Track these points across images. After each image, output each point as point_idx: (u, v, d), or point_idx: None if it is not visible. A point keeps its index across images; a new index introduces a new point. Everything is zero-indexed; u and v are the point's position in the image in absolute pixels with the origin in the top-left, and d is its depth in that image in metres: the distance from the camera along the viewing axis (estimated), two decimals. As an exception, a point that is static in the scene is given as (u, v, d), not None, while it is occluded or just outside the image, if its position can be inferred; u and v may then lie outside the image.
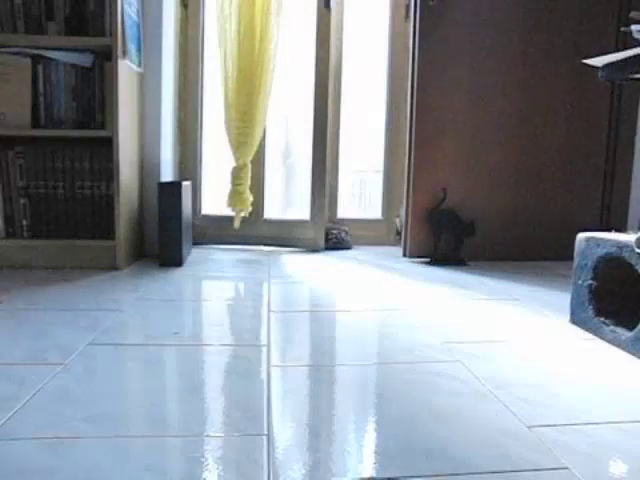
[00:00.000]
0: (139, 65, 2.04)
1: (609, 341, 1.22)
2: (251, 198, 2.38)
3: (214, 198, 2.55)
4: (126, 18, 1.85)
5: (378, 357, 1.14)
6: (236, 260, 2.20)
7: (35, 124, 1.88)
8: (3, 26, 1.83)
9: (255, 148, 2.35)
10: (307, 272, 2.03)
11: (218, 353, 1.13)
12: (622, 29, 1.44)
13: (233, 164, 2.35)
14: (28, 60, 1.85)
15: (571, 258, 1.38)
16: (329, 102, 2.47)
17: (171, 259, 1.97)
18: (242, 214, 2.39)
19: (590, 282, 1.30)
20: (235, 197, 2.35)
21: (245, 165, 2.35)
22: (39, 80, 1.87)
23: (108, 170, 1.89)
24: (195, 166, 2.53)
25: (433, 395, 0.93)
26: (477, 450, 0.75)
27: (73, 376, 0.97)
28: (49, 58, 1.87)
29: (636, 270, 1.14)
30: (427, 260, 2.24)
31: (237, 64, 2.27)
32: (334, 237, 2.51)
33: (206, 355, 1.12)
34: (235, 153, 2.33)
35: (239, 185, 2.35)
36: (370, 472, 0.70)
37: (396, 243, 2.60)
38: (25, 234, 1.91)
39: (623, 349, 1.17)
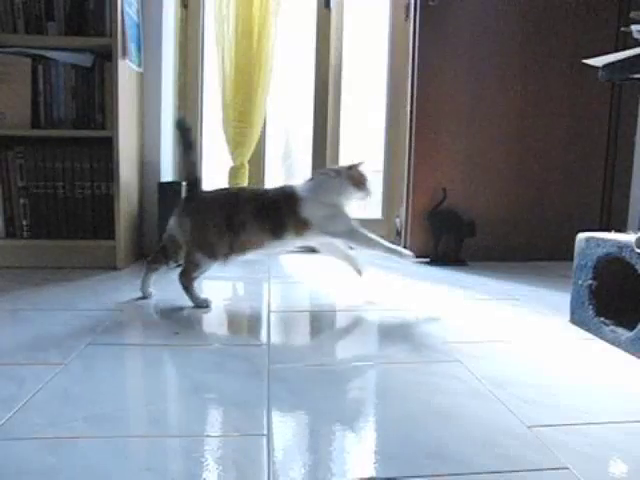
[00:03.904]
0: (139, 65, 2.04)
1: (609, 341, 1.22)
2: (249, 198, 2.38)
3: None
4: (126, 18, 1.85)
5: (378, 357, 1.14)
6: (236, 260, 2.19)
7: (35, 124, 1.88)
8: (3, 26, 1.83)
9: (252, 148, 2.35)
10: (307, 272, 2.03)
11: (218, 353, 1.13)
12: (622, 29, 1.44)
13: (231, 164, 2.35)
14: (28, 60, 1.86)
15: (571, 258, 1.38)
16: (329, 102, 2.47)
17: (171, 259, 1.97)
18: (241, 214, 2.39)
19: (590, 282, 1.30)
20: (233, 197, 2.35)
21: (242, 165, 2.34)
22: (39, 80, 1.87)
23: (108, 170, 1.89)
24: (195, 166, 2.52)
25: (433, 395, 0.93)
26: (477, 450, 0.75)
27: (73, 376, 0.97)
28: (49, 58, 1.87)
29: (636, 270, 1.14)
30: (427, 260, 2.24)
31: (235, 64, 2.27)
32: (334, 237, 2.50)
33: (206, 355, 1.12)
34: (233, 153, 2.33)
35: (237, 185, 2.35)
36: (370, 472, 0.70)
37: (396, 243, 2.59)
38: (25, 234, 1.91)
39: (623, 349, 1.17)
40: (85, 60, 1.89)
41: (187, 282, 1.45)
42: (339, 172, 1.52)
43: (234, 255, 1.47)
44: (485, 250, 2.27)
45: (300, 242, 1.53)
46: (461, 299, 1.62)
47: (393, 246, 1.51)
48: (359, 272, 1.62)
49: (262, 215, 1.43)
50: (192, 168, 1.47)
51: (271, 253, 1.51)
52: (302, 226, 1.45)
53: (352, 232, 1.49)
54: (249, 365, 1.05)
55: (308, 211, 1.45)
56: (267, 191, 1.51)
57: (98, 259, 1.91)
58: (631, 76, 1.28)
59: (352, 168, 1.53)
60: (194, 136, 1.50)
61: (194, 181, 1.47)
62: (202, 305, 1.45)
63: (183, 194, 1.50)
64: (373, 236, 1.51)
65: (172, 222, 1.46)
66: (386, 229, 2.70)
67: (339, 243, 1.57)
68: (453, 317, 1.44)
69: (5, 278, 1.72)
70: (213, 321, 1.39)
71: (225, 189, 1.59)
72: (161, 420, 0.82)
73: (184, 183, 1.50)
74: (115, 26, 1.79)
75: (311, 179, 1.55)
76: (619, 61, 1.26)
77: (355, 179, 1.51)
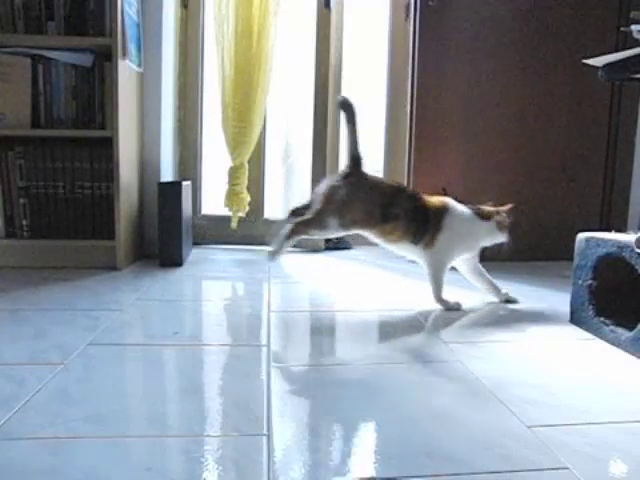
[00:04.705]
0: (139, 65, 2.04)
1: (609, 341, 1.22)
2: (248, 198, 2.38)
3: (214, 198, 2.55)
4: (126, 18, 1.85)
5: (378, 357, 1.14)
6: (236, 260, 2.20)
7: (35, 124, 1.88)
8: (3, 26, 1.83)
9: (252, 148, 2.35)
10: (307, 272, 2.03)
11: (218, 353, 1.13)
12: (622, 29, 1.44)
13: (230, 164, 2.35)
14: (28, 60, 1.85)
15: (571, 258, 1.38)
16: (329, 102, 2.47)
17: (171, 259, 1.97)
18: (239, 214, 2.39)
19: (590, 282, 1.30)
20: (232, 197, 2.35)
21: (242, 165, 2.34)
22: (39, 80, 1.87)
23: (108, 170, 1.89)
24: (195, 166, 2.53)
25: (433, 395, 0.93)
26: (477, 450, 0.75)
27: (73, 376, 0.97)
28: (49, 58, 1.87)
29: (636, 270, 1.14)
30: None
31: (234, 64, 2.27)
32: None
33: (206, 355, 1.12)
34: (232, 153, 2.33)
35: (236, 185, 2.35)
36: (370, 472, 0.70)
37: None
38: (25, 234, 1.91)
39: (623, 349, 1.17)
40: (85, 60, 1.88)
41: (298, 230, 1.45)
42: (490, 214, 1.54)
43: (367, 232, 1.49)
44: (485, 250, 2.26)
45: (421, 257, 1.52)
46: (461, 299, 1.62)
47: (445, 298, 1.51)
48: (503, 298, 1.59)
49: (412, 217, 1.46)
50: (355, 146, 1.49)
51: (390, 249, 1.53)
52: (435, 234, 1.47)
53: (437, 265, 1.49)
54: (249, 365, 1.05)
55: (447, 224, 1.48)
56: (424, 197, 1.51)
57: (98, 259, 1.91)
58: (631, 76, 1.28)
59: (500, 213, 1.55)
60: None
61: (356, 158, 1.49)
62: (272, 255, 1.47)
63: (343, 167, 1.51)
64: (443, 280, 1.50)
65: (324, 186, 1.48)
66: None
67: (480, 268, 1.61)
68: (453, 317, 1.44)
69: (5, 278, 1.72)
70: (213, 321, 1.39)
71: (389, 181, 1.61)
72: (161, 420, 0.82)
73: (348, 159, 1.50)
74: (115, 26, 1.79)
75: (467, 205, 1.56)
76: (619, 61, 1.26)
77: (501, 224, 1.54)
